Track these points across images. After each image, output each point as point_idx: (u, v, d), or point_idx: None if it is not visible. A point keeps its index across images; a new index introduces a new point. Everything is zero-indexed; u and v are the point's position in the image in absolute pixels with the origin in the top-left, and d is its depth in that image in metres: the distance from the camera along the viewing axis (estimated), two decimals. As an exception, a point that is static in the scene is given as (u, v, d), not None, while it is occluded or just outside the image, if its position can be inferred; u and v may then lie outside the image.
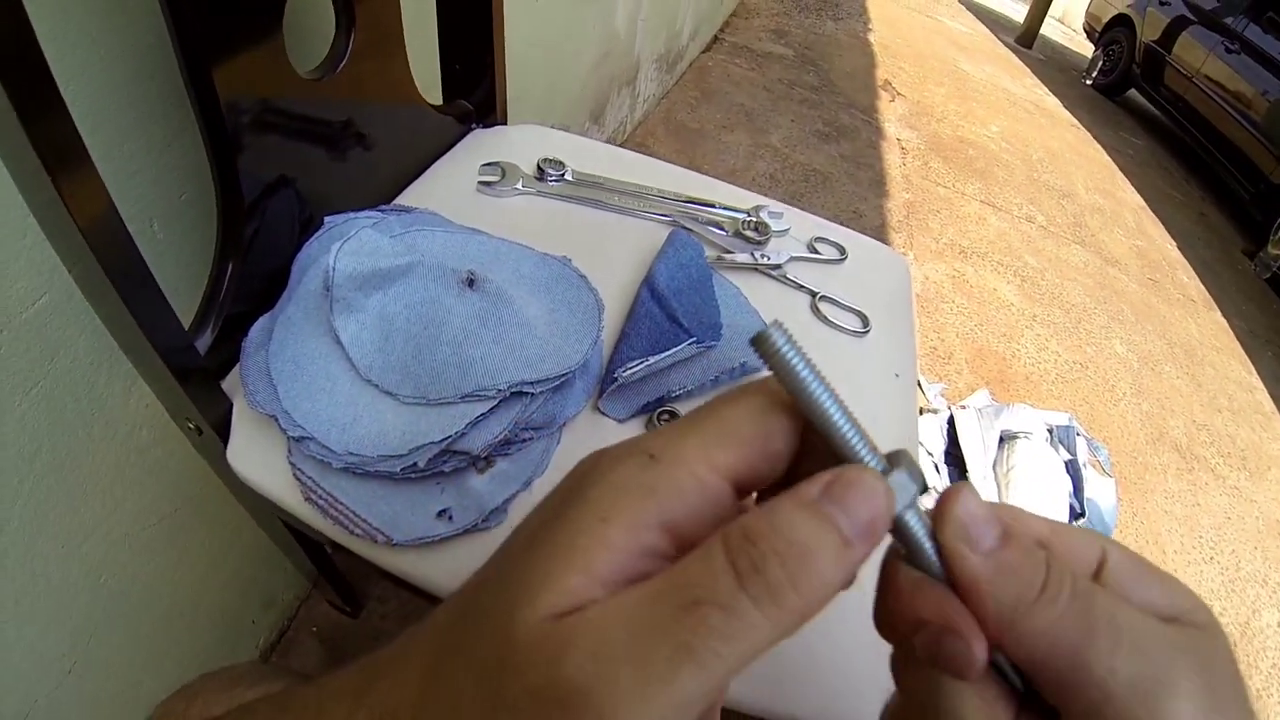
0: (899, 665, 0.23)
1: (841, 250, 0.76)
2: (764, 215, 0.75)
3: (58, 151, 0.36)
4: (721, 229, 0.73)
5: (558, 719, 0.17)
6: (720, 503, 0.20)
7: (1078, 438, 1.77)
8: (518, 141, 0.76)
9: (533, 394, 0.46)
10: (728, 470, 0.20)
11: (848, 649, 0.45)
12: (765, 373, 0.22)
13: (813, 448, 0.22)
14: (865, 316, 0.69)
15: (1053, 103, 5.00)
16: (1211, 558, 1.84)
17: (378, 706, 0.21)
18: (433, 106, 0.71)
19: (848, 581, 0.19)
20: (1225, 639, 0.22)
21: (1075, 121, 4.77)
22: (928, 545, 0.21)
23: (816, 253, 0.75)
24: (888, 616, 0.22)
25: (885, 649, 0.24)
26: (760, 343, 0.21)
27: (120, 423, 0.63)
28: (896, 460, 0.21)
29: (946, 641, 0.20)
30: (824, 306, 0.69)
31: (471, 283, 0.50)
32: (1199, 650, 0.21)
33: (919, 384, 1.89)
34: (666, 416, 0.53)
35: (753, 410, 0.21)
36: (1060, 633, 0.20)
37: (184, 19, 0.43)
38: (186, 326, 0.50)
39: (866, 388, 0.60)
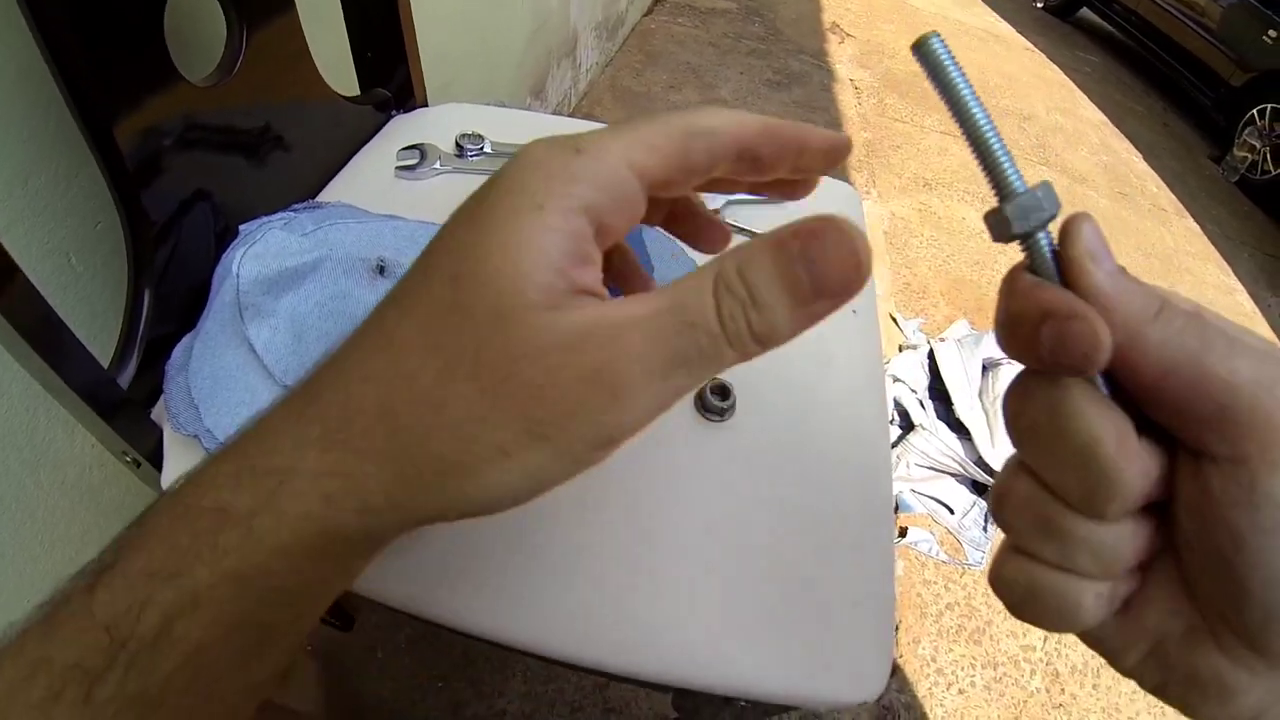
0: (1019, 400, 0.23)
1: None
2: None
3: None
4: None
5: (576, 392, 0.20)
6: (632, 198, 0.22)
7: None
8: (438, 122, 0.73)
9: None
10: (643, 171, 0.22)
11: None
12: None
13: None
14: None
15: (1005, 29, 4.97)
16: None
17: (332, 415, 0.22)
18: (348, 98, 0.68)
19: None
20: None
21: (1030, 45, 4.75)
22: (1052, 264, 0.22)
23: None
24: (1011, 322, 0.22)
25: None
26: (923, 50, 0.22)
27: (68, 466, 0.61)
28: (1038, 186, 0.22)
29: (1073, 326, 0.20)
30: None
31: (383, 270, 0.48)
32: None
33: (895, 321, 1.89)
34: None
35: (674, 129, 0.23)
36: (1182, 341, 0.20)
37: (60, 47, 0.41)
38: (111, 357, 0.49)
39: (823, 329, 0.58)
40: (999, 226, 0.22)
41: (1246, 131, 3.80)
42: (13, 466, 0.56)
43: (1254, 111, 3.80)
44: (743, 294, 0.20)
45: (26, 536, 0.59)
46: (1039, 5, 6.05)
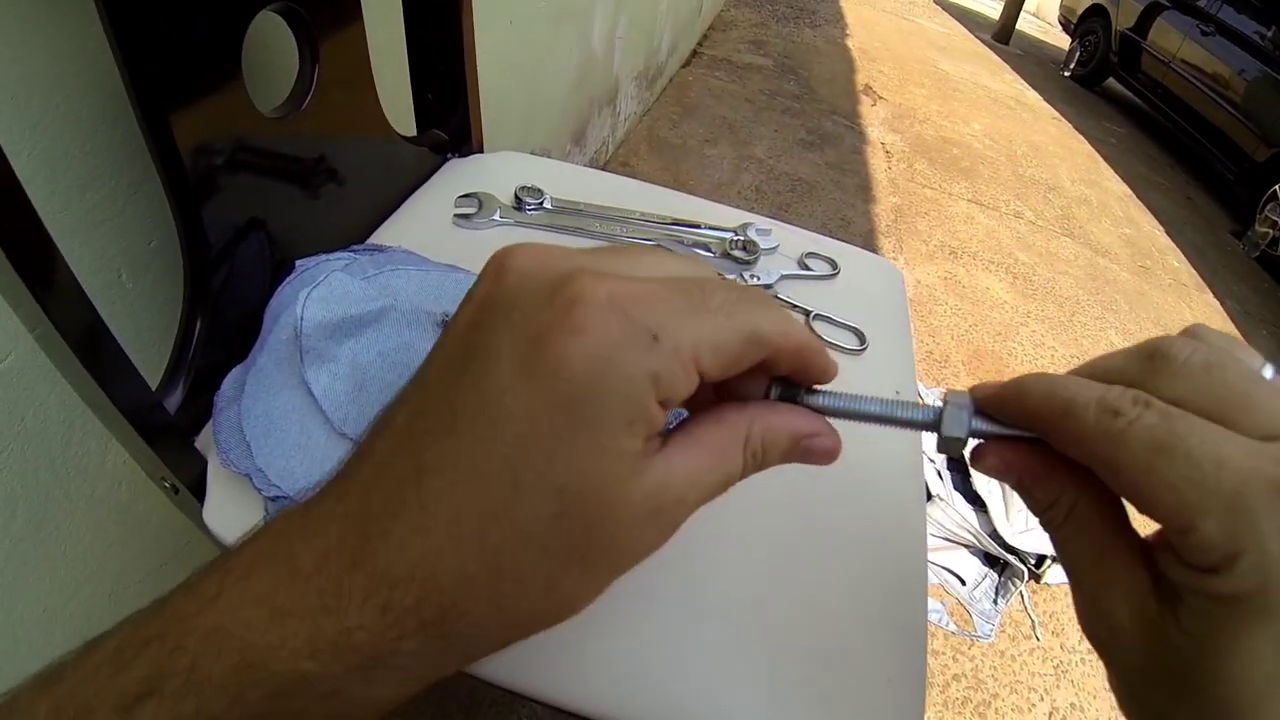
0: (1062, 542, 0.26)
1: (833, 264, 0.75)
2: (752, 233, 0.73)
3: (4, 216, 0.34)
4: (709, 250, 0.71)
5: (643, 551, 0.24)
6: (691, 385, 0.23)
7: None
8: (495, 170, 0.74)
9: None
10: (706, 373, 0.23)
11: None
12: None
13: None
14: (862, 334, 0.67)
15: (1033, 97, 5.03)
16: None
17: (401, 580, 0.22)
18: (406, 138, 0.69)
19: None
20: None
21: (1056, 114, 4.81)
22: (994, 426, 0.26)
23: (808, 269, 0.73)
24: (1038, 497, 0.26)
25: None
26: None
27: (97, 481, 0.61)
28: (943, 408, 0.26)
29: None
30: (818, 325, 0.67)
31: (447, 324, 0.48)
32: None
33: (917, 392, 1.88)
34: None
35: (739, 337, 0.23)
36: (1122, 456, 0.21)
37: (138, 64, 0.41)
38: (159, 379, 0.49)
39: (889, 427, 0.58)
40: (951, 443, 0.26)
41: (1269, 207, 3.80)
42: (43, 476, 0.56)
43: (1276, 187, 3.80)
44: (761, 459, 0.25)
45: (49, 545, 0.59)
46: (1066, 74, 6.14)
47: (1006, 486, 1.56)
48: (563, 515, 0.21)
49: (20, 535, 0.55)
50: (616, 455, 0.21)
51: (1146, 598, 0.23)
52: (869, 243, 2.49)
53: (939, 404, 0.26)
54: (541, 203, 0.67)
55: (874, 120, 3.52)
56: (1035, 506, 0.27)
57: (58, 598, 0.61)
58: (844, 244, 0.79)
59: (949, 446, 0.26)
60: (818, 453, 0.27)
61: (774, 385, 0.26)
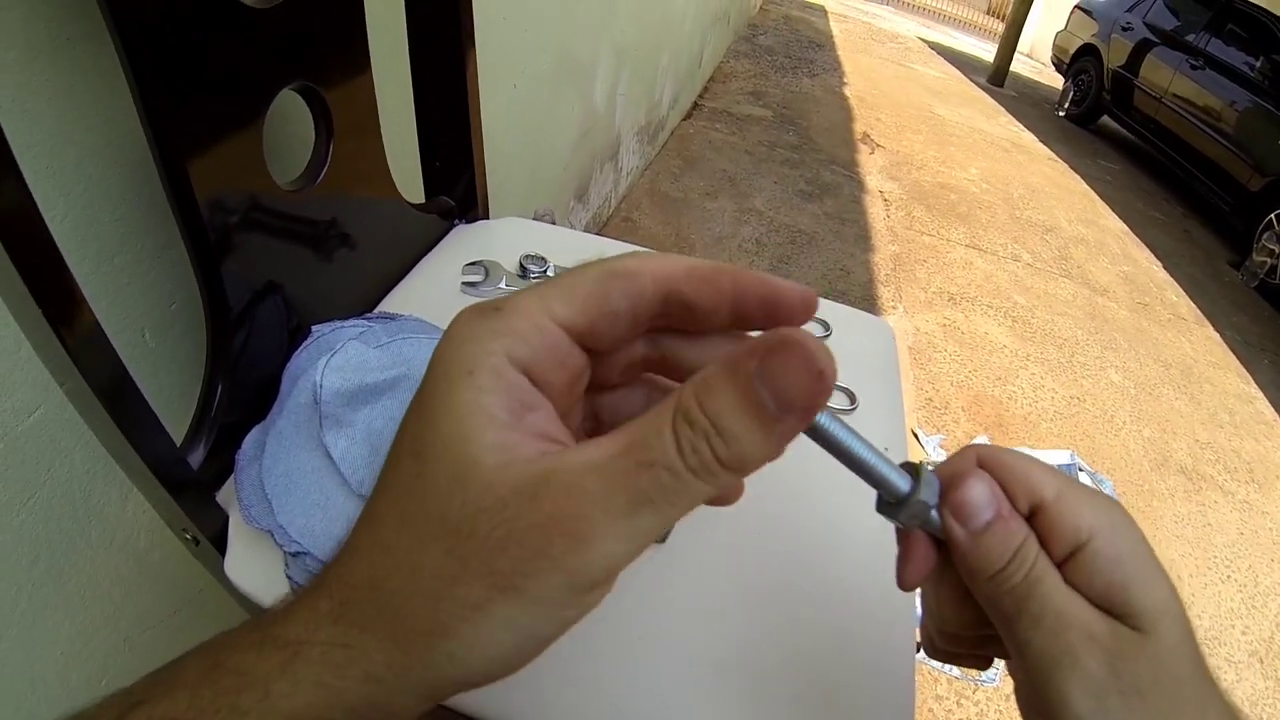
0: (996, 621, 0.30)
1: (826, 326, 0.77)
2: (745, 296, 0.75)
3: (38, 272, 0.36)
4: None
5: (537, 541, 0.20)
6: (560, 348, 0.23)
7: (1079, 474, 1.77)
8: (500, 236, 0.77)
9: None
10: (564, 320, 0.23)
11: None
12: None
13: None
14: (852, 394, 0.69)
15: (1028, 138, 5.10)
16: (1228, 576, 1.81)
17: (337, 590, 0.23)
18: (414, 205, 0.72)
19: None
20: (1175, 647, 0.28)
21: (1052, 154, 4.86)
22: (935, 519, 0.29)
23: (800, 332, 0.75)
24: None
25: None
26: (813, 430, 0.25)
27: (117, 529, 0.63)
28: (916, 474, 0.28)
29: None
30: (810, 387, 0.68)
31: (455, 391, 0.50)
32: (1122, 647, 0.27)
33: (916, 437, 1.90)
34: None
35: (591, 276, 0.24)
36: (1002, 602, 0.29)
37: (164, 137, 0.44)
38: (182, 435, 0.51)
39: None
40: (892, 518, 0.29)
41: (1265, 236, 3.82)
42: (65, 523, 0.58)
43: (1272, 216, 3.82)
44: (705, 424, 0.20)
45: (70, 590, 0.60)
46: (1060, 113, 6.21)
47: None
48: (419, 476, 0.22)
49: (42, 580, 0.57)
50: (464, 410, 0.21)
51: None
52: (868, 292, 2.52)
53: (910, 481, 0.28)
54: (545, 270, 0.70)
55: (872, 169, 3.57)
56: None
57: (75, 641, 0.62)
58: (836, 304, 0.81)
59: (894, 515, 0.29)
60: (790, 381, 0.20)
61: None
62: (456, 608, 0.21)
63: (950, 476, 0.30)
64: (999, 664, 1.33)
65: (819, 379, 0.20)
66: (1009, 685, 1.40)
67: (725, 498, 0.26)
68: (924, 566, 0.31)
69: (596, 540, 0.20)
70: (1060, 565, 0.29)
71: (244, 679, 0.22)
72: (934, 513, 0.29)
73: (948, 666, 1.40)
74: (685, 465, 0.20)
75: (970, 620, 0.32)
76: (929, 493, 0.28)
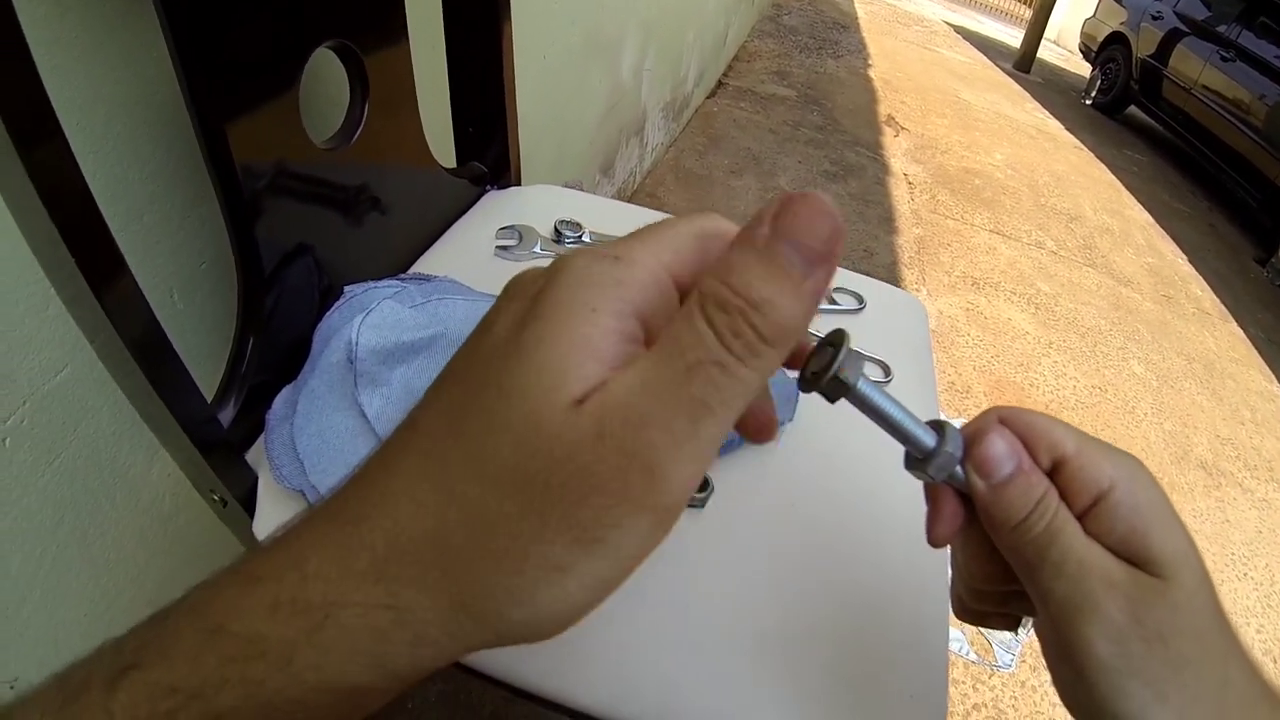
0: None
1: (860, 299, 0.76)
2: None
3: (76, 225, 0.36)
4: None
5: (615, 486, 0.19)
6: (670, 298, 0.22)
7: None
8: (532, 202, 0.76)
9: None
10: (675, 273, 0.22)
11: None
12: None
13: None
14: (887, 366, 0.68)
15: (1054, 125, 5.03)
16: (1245, 574, 1.80)
17: (380, 543, 0.20)
18: (447, 170, 0.72)
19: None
20: (1194, 594, 0.29)
21: (1078, 143, 4.80)
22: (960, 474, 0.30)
23: (835, 303, 0.75)
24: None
25: None
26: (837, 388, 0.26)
27: (142, 492, 0.63)
28: (942, 431, 0.29)
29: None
30: (845, 358, 0.68)
31: (494, 350, 0.49)
32: (1142, 594, 0.28)
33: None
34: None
35: (688, 232, 0.23)
36: (1025, 552, 0.29)
37: (201, 94, 0.44)
38: (209, 398, 0.51)
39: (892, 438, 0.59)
40: (920, 474, 0.30)
41: None
42: (92, 484, 0.57)
43: None
44: (736, 301, 0.19)
45: (95, 552, 0.60)
46: (1087, 102, 6.13)
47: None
48: (500, 417, 0.20)
49: (66, 542, 0.57)
50: (572, 345, 0.20)
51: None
52: (892, 274, 2.50)
53: (937, 438, 0.29)
54: (580, 236, 0.69)
55: (896, 151, 3.54)
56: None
57: (99, 604, 0.62)
58: (870, 279, 0.80)
59: (921, 470, 0.30)
60: (814, 241, 0.20)
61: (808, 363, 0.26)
62: (538, 570, 0.20)
63: (973, 434, 0.30)
64: (1014, 650, 1.33)
65: (832, 220, 0.20)
66: (1024, 672, 1.41)
67: (763, 430, 0.27)
68: (952, 523, 0.32)
69: (671, 468, 0.19)
70: (1081, 517, 0.30)
71: (255, 646, 0.20)
72: (959, 468, 0.30)
73: (966, 649, 1.39)
74: (731, 353, 0.19)
75: (996, 575, 0.32)
76: (954, 446, 0.29)
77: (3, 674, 0.56)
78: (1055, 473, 0.30)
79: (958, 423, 0.31)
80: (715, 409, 0.19)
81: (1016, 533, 0.29)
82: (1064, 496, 0.30)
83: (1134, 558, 0.29)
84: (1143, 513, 0.29)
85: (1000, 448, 0.30)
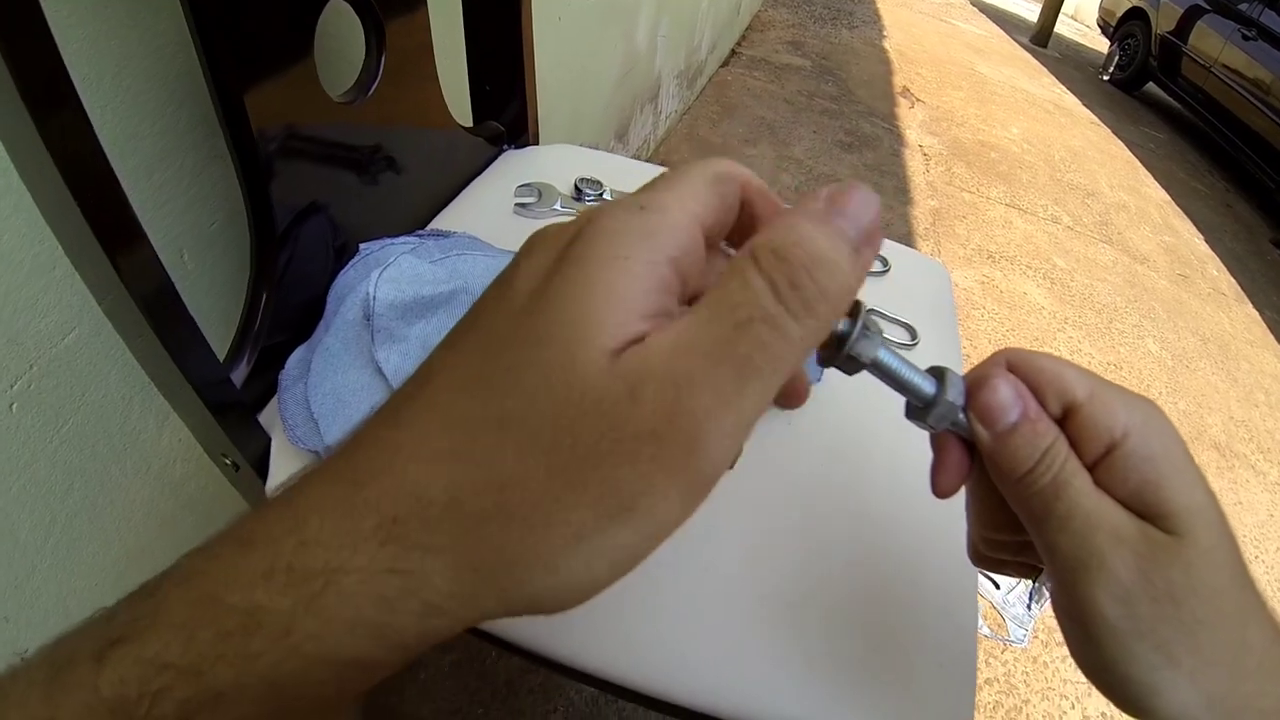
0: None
1: (884, 262, 0.75)
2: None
3: (87, 181, 0.34)
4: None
5: (649, 451, 0.18)
6: (699, 245, 0.22)
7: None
8: (551, 161, 0.75)
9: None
10: (700, 217, 0.22)
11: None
12: None
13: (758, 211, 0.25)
14: (913, 329, 0.67)
15: (1071, 101, 4.96)
16: (1256, 558, 1.79)
17: (387, 504, 0.19)
18: (464, 128, 0.70)
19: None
20: (1210, 552, 0.27)
21: (1095, 119, 4.73)
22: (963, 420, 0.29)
23: (862, 265, 0.73)
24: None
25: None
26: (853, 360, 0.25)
27: (153, 457, 0.62)
28: (943, 377, 0.28)
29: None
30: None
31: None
32: (1153, 551, 0.26)
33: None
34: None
35: (704, 177, 0.23)
36: (1031, 504, 0.28)
37: (215, 46, 0.42)
38: (221, 357, 0.49)
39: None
40: (921, 423, 0.28)
41: None
42: (101, 450, 0.57)
43: None
44: (797, 253, 0.19)
45: (105, 520, 0.60)
46: (1105, 78, 6.04)
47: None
48: (524, 370, 0.19)
49: (76, 509, 0.56)
50: (604, 291, 0.19)
51: None
52: (907, 245, 2.45)
53: (935, 385, 0.28)
54: (601, 193, 0.67)
55: (912, 123, 3.49)
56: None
57: (109, 573, 0.62)
58: (894, 244, 0.79)
59: (922, 419, 0.28)
60: (863, 226, 0.21)
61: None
62: (561, 537, 0.18)
63: (977, 380, 0.29)
64: (1027, 626, 1.32)
65: (878, 206, 0.21)
66: (1037, 648, 1.41)
67: (795, 395, 0.27)
68: (957, 473, 0.30)
69: (712, 434, 0.18)
70: (1093, 468, 0.28)
71: (252, 618, 0.19)
72: (962, 415, 0.28)
73: (979, 624, 1.38)
74: (786, 309, 0.19)
75: (1008, 524, 0.30)
76: (954, 393, 0.28)
77: (13, 646, 0.55)
78: (1066, 420, 0.28)
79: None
80: (763, 370, 0.19)
81: (1022, 484, 0.28)
82: (1075, 445, 0.28)
83: (1147, 512, 0.27)
84: (1157, 463, 0.27)
85: (1004, 394, 0.28)
